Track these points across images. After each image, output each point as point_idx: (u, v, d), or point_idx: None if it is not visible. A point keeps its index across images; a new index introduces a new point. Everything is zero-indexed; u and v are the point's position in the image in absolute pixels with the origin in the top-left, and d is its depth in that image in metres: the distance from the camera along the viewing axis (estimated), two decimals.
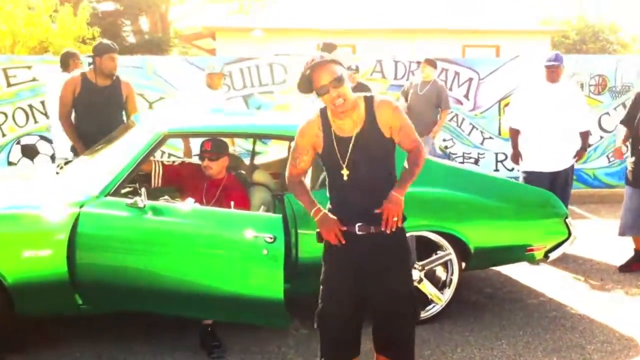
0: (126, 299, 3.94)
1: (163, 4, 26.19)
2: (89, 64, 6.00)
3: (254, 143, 5.72)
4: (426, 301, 4.58)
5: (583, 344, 4.36)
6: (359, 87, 8.10)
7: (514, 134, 6.36)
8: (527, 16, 22.01)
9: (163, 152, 9.02)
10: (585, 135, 6.31)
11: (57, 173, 4.75)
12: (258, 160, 5.85)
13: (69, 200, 3.93)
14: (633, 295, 5.30)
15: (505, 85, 9.34)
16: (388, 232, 3.09)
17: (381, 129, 3.15)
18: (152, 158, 4.63)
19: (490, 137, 9.55)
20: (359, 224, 3.14)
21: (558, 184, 6.06)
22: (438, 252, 4.59)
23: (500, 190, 4.93)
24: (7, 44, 12.58)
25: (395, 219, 3.08)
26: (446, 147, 9.56)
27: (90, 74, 5.85)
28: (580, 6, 31.72)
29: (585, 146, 6.35)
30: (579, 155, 6.29)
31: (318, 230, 3.19)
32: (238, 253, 3.74)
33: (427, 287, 4.56)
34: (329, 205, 3.26)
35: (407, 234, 4.35)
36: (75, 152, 5.80)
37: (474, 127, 9.60)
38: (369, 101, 3.19)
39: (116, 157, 4.27)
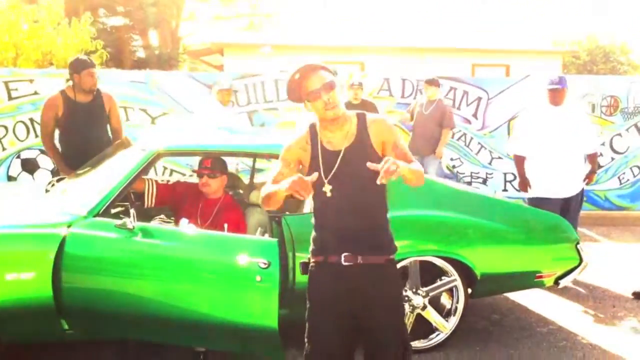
0: (114, 326, 3.75)
1: (173, 20, 26.24)
2: (67, 80, 5.79)
3: (254, 161, 5.53)
4: (430, 329, 4.38)
5: None
6: (363, 104, 7.97)
7: (520, 161, 6.07)
8: (537, 36, 21.82)
9: (165, 169, 8.89)
10: (593, 158, 6.10)
11: (48, 191, 4.59)
12: (259, 179, 5.67)
13: (55, 220, 3.75)
14: None
15: (515, 105, 9.16)
16: (384, 180, 2.64)
17: (373, 145, 2.95)
18: (145, 177, 4.46)
19: (499, 157, 9.37)
20: (345, 253, 2.92)
21: (570, 210, 5.78)
22: (443, 277, 4.39)
23: (509, 214, 4.72)
24: (10, 56, 12.45)
25: (394, 167, 2.61)
26: (454, 167, 9.39)
27: (70, 92, 5.66)
28: (591, 27, 31.59)
29: (594, 169, 6.13)
30: (589, 178, 6.04)
31: (302, 261, 3.03)
32: (230, 279, 3.54)
33: (431, 315, 4.36)
34: (313, 235, 3.06)
35: (412, 259, 4.24)
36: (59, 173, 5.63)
37: (482, 146, 9.43)
38: (361, 117, 3.01)
39: (107, 175, 4.09)
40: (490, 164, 9.44)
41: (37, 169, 8.66)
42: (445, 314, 4.45)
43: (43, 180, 8.16)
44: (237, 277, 3.52)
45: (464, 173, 9.41)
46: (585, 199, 6.63)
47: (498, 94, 9.36)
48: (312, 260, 3.05)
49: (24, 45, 12.59)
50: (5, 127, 8.54)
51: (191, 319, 3.61)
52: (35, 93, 8.56)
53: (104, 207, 3.81)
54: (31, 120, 8.56)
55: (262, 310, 3.50)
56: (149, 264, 3.65)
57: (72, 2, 14.36)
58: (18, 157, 8.62)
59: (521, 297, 5.54)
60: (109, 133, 5.86)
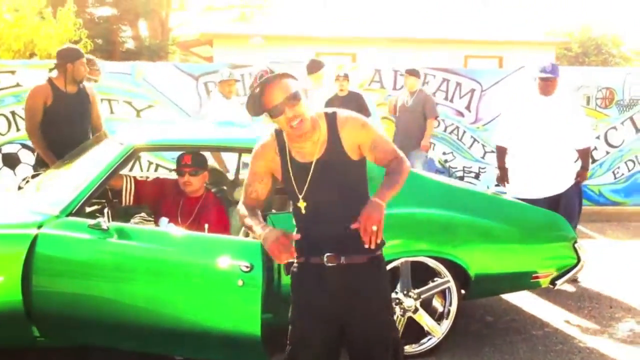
0: (88, 332, 3.55)
1: (163, 10, 25.93)
2: (50, 70, 5.54)
3: (239, 157, 5.31)
4: (422, 333, 4.20)
5: None
6: (350, 96, 7.78)
7: (501, 152, 5.80)
8: (530, 27, 21.63)
9: (150, 163, 8.67)
10: (585, 153, 5.69)
11: (21, 188, 4.37)
12: (245, 174, 5.44)
13: (25, 220, 3.55)
14: None
15: (509, 97, 8.95)
16: (367, 246, 2.54)
17: (347, 152, 2.72)
18: (123, 173, 4.24)
19: (492, 151, 9.13)
20: (327, 254, 2.72)
21: (560, 209, 5.27)
22: (435, 279, 4.20)
23: (504, 212, 4.53)
24: None
25: (375, 228, 2.51)
26: (446, 161, 9.21)
27: (58, 81, 5.41)
28: (584, 18, 31.49)
29: (586, 165, 5.71)
30: (581, 175, 5.65)
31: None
32: (210, 283, 3.34)
33: (423, 318, 4.17)
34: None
35: (402, 260, 4.05)
36: (40, 165, 5.40)
37: (475, 140, 9.25)
38: (331, 119, 2.74)
39: (81, 172, 3.88)
40: (483, 158, 9.26)
41: (18, 164, 8.43)
42: (438, 317, 4.27)
43: (26, 174, 7.96)
44: (217, 281, 3.33)
45: (456, 167, 9.23)
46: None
47: (492, 85, 9.16)
48: (294, 261, 2.85)
49: (4, 34, 12.23)
50: None
51: (169, 326, 3.42)
52: (18, 85, 8.31)
53: (77, 206, 3.60)
54: (13, 113, 8.33)
55: (244, 316, 3.32)
56: (125, 266, 3.45)
57: None
58: None
59: (515, 297, 5.36)
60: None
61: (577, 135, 5.54)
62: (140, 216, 4.62)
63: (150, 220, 4.49)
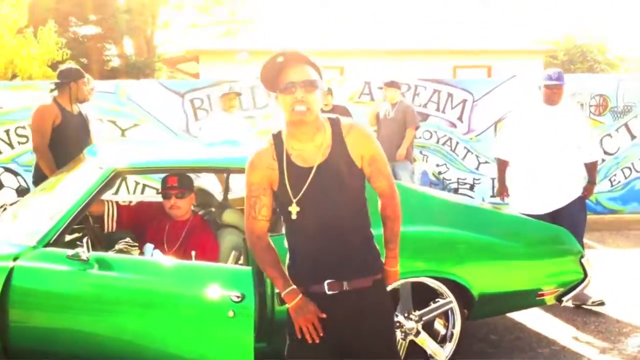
0: None
1: (148, 28, 25.73)
2: (50, 90, 5.42)
3: (227, 177, 5.09)
4: (424, 357, 3.98)
5: None
6: (335, 111, 7.61)
7: (502, 165, 5.54)
8: (518, 36, 21.56)
9: (137, 184, 8.44)
10: (593, 167, 5.40)
11: None
12: (233, 195, 5.22)
13: (1, 252, 3.32)
14: None
15: (502, 107, 8.79)
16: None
17: (352, 158, 2.55)
18: (104, 198, 4.01)
19: (486, 162, 9.01)
20: (328, 280, 2.52)
21: (564, 222, 4.91)
22: (438, 300, 3.99)
23: (506, 227, 4.34)
24: None
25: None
26: (439, 173, 9.03)
27: (64, 101, 5.33)
28: (569, 26, 31.57)
29: (593, 179, 5.42)
30: (588, 190, 5.35)
31: (278, 291, 2.60)
32: (199, 315, 3.12)
33: (425, 342, 3.96)
34: (287, 262, 2.65)
35: (402, 281, 3.83)
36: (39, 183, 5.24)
37: (468, 151, 9.08)
38: (335, 125, 2.58)
39: (59, 199, 3.65)
40: (477, 169, 9.09)
41: (1, 188, 8.17)
42: (441, 339, 4.06)
43: (7, 199, 7.73)
44: (206, 312, 3.10)
45: (450, 179, 9.06)
46: None
47: (483, 95, 9.01)
48: None
49: None
50: None
51: None
52: None
53: (55, 236, 3.37)
54: None
55: (236, 348, 3.08)
56: (106, 298, 3.22)
57: (38, 11, 13.75)
58: None
59: (519, 313, 5.13)
60: None
61: (585, 148, 5.25)
62: (124, 241, 4.39)
63: (135, 246, 4.26)
